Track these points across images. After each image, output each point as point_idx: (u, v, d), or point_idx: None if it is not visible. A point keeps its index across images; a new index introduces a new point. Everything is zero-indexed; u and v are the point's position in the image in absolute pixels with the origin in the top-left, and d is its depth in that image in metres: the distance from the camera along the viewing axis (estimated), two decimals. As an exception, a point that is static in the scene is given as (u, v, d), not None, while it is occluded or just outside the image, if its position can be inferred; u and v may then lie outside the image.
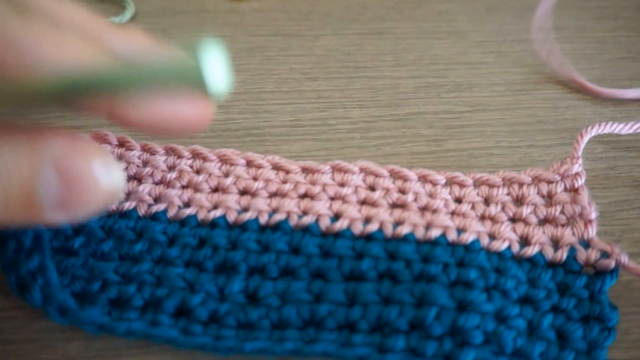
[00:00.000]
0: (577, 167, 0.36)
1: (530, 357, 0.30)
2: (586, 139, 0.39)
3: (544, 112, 0.46)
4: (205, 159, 0.38)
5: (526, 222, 0.36)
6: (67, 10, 0.28)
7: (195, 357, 0.31)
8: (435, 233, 0.34)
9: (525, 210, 0.36)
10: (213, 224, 0.35)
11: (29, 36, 0.25)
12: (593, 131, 0.39)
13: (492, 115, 0.45)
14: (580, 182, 0.36)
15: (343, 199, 0.36)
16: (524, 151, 0.43)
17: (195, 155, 0.38)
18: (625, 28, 0.56)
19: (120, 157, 0.38)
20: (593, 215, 0.35)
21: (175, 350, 0.31)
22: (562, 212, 0.36)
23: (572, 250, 0.34)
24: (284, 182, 0.37)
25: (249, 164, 0.38)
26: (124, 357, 0.31)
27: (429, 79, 0.49)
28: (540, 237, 0.35)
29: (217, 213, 0.35)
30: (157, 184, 0.37)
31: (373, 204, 0.36)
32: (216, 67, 0.22)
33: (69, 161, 0.25)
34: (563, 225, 0.35)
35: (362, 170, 0.37)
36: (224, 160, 0.38)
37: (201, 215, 0.35)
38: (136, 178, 0.37)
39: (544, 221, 0.36)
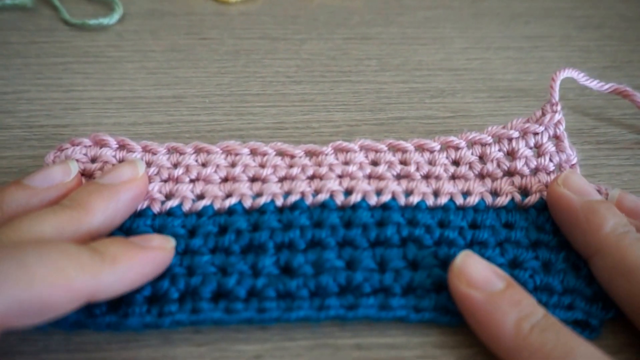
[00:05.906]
0: (557, 116, 0.39)
1: (552, 288, 0.33)
2: (559, 82, 0.40)
3: (525, 119, 0.46)
4: (209, 152, 0.39)
5: (522, 174, 0.38)
6: None
7: (175, 352, 0.31)
8: (444, 200, 0.37)
9: (519, 164, 0.38)
10: (230, 211, 0.36)
11: None
12: (564, 74, 0.41)
13: (474, 122, 0.46)
14: (561, 129, 0.38)
15: (350, 175, 0.38)
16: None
17: (199, 150, 0.39)
18: (610, 37, 0.56)
19: (122, 161, 0.38)
20: (575, 159, 0.38)
21: (154, 346, 0.31)
22: (550, 160, 0.38)
23: None
24: (291, 166, 0.38)
25: (254, 152, 0.39)
26: (104, 351, 0.31)
27: (412, 84, 0.49)
28: (538, 186, 0.37)
29: (233, 200, 0.36)
30: (165, 181, 0.37)
31: (380, 178, 0.38)
32: None
33: None
34: (552, 172, 0.38)
35: (361, 148, 0.39)
36: (228, 151, 0.39)
37: (217, 205, 0.36)
38: None
39: (535, 170, 0.38)
